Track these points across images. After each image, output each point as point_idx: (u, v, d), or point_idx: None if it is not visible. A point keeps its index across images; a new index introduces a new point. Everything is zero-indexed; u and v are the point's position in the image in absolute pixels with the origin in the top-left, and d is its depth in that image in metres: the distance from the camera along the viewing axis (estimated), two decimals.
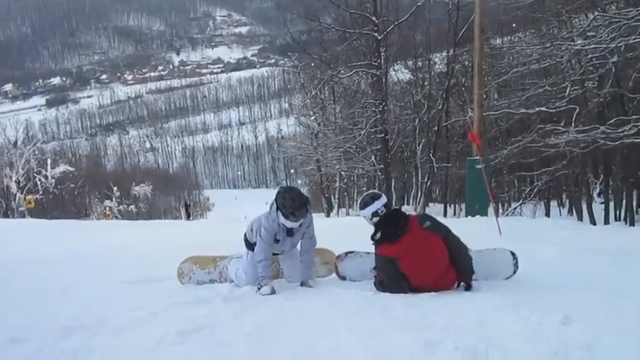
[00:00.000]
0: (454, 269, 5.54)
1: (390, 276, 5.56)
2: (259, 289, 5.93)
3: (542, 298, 4.92)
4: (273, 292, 5.86)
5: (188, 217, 51.07)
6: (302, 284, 6.23)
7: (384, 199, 5.70)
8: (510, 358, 3.35)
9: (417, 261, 5.38)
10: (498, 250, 6.24)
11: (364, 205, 5.73)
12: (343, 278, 6.45)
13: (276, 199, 6.03)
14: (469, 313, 4.45)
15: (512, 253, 6.10)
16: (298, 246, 6.44)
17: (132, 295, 6.15)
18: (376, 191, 6.14)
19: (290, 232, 6.12)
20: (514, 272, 6.09)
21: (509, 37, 29.95)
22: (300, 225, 6.11)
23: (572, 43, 18.64)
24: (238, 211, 77.70)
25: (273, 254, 6.36)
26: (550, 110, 20.27)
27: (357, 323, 4.35)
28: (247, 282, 6.21)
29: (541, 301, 4.73)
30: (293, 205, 5.87)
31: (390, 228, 5.50)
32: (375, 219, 5.61)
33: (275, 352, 3.74)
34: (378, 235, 5.55)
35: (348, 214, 41.37)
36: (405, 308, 4.76)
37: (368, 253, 6.26)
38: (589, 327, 3.85)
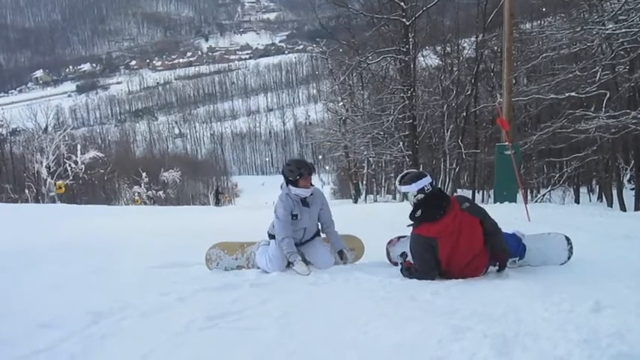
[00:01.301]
0: (486, 254, 5.53)
1: (422, 260, 5.52)
2: (292, 265, 6.12)
3: (572, 285, 4.88)
4: (309, 269, 6.07)
5: (217, 203, 51.04)
6: (340, 254, 6.47)
7: (429, 178, 5.63)
8: (541, 346, 3.33)
9: (454, 242, 5.36)
10: (553, 235, 6.16)
11: (411, 181, 5.58)
12: (395, 264, 6.30)
13: (283, 175, 6.34)
14: (498, 300, 4.43)
15: (567, 238, 6.02)
16: (318, 242, 6.62)
17: (160, 280, 6.23)
18: (420, 170, 6.09)
19: (305, 202, 6.34)
20: (568, 258, 6.02)
21: (538, 22, 29.61)
22: (312, 194, 6.39)
23: (603, 27, 18.42)
24: (266, 197, 77.94)
25: (297, 244, 6.47)
26: (580, 95, 20.05)
27: (385, 309, 4.35)
28: (274, 269, 6.27)
29: (571, 288, 4.70)
30: (297, 164, 6.29)
31: (432, 207, 5.45)
32: (420, 196, 5.50)
33: (303, 338, 3.75)
34: (419, 213, 5.51)
35: (376, 200, 41.40)
36: (433, 295, 4.76)
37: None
38: (620, 314, 3.83)
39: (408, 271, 5.64)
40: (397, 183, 5.80)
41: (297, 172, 6.22)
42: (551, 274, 5.51)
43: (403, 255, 5.87)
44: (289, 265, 6.27)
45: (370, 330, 3.82)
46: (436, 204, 5.45)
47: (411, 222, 5.64)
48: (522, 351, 3.28)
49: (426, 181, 5.54)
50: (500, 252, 5.59)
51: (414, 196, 5.54)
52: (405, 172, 5.85)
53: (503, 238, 5.63)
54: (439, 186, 28.03)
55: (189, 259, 7.10)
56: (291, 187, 6.29)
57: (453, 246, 5.37)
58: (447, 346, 3.41)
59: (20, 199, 48.60)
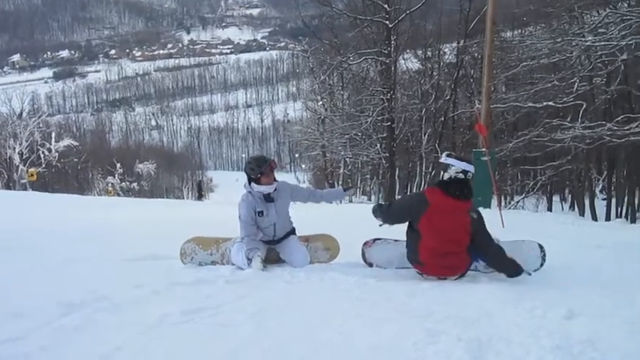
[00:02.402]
0: (467, 259, 5.63)
1: (399, 206, 6.01)
2: (249, 263, 6.08)
3: (545, 292, 4.95)
4: (263, 266, 6.05)
5: (200, 197, 50.79)
6: (345, 190, 7.07)
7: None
8: (513, 351, 3.38)
9: (439, 222, 5.49)
10: (527, 242, 6.27)
11: (464, 161, 5.72)
12: (370, 265, 6.39)
13: (246, 168, 6.42)
14: (472, 304, 4.48)
15: (540, 246, 6.12)
16: (295, 242, 6.66)
17: (134, 272, 6.18)
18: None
19: (268, 197, 6.36)
20: (541, 265, 6.13)
21: (519, 31, 29.94)
22: (276, 190, 6.39)
23: (582, 39, 18.65)
24: (239, 193, 77.62)
25: (271, 243, 6.57)
26: (557, 105, 20.31)
27: (361, 310, 4.37)
28: (248, 266, 6.28)
29: (544, 295, 4.77)
30: (257, 161, 6.32)
31: (457, 187, 5.56)
32: (460, 176, 5.58)
33: (279, 335, 3.76)
34: (445, 178, 5.67)
35: (351, 201, 41.44)
36: (408, 296, 4.79)
37: (396, 240, 6.32)
38: (591, 322, 3.89)
39: (379, 207, 6.05)
40: (445, 154, 5.86)
41: (257, 170, 6.26)
42: (524, 280, 5.57)
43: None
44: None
45: (345, 330, 3.83)
46: (461, 188, 5.58)
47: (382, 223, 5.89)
48: (496, 355, 3.32)
49: (471, 169, 5.66)
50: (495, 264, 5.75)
51: (456, 172, 5.61)
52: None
53: (495, 255, 5.70)
54: (414, 189, 28.22)
55: (165, 252, 7.05)
56: (253, 184, 6.32)
57: (436, 225, 5.49)
58: (422, 348, 3.44)
59: None
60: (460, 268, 5.67)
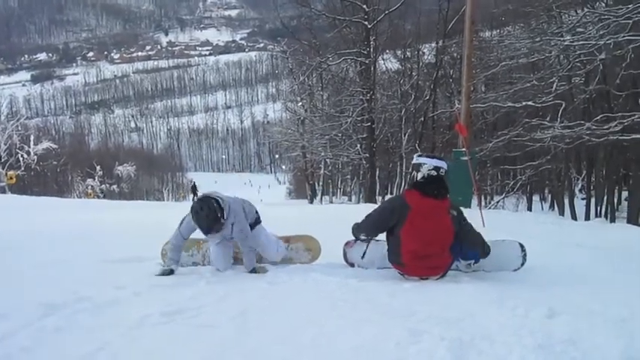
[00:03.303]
0: (448, 258, 5.63)
1: (377, 216, 5.82)
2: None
3: (526, 291, 4.95)
4: (168, 272, 5.98)
5: (194, 198, 50.81)
6: (252, 272, 6.18)
7: (446, 167, 5.77)
8: (496, 350, 3.36)
9: (420, 224, 5.48)
10: (507, 242, 6.29)
11: (433, 157, 5.79)
12: (352, 265, 6.40)
13: (192, 210, 5.97)
14: (454, 304, 4.47)
15: (521, 245, 6.15)
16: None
17: (115, 274, 6.10)
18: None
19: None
20: (522, 264, 6.15)
21: (498, 31, 30.04)
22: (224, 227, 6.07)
23: (561, 39, 18.69)
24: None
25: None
26: (536, 105, 20.37)
27: (343, 311, 4.35)
28: (221, 267, 6.27)
29: (525, 294, 4.77)
30: (201, 225, 5.87)
31: (432, 186, 5.57)
32: (433, 173, 5.59)
33: (260, 336, 3.72)
34: (421, 179, 5.65)
35: (331, 201, 41.46)
36: (390, 297, 4.78)
37: (377, 240, 6.28)
38: (573, 321, 3.89)
39: (357, 226, 6.03)
40: (416, 155, 5.93)
41: (202, 231, 5.96)
42: (506, 280, 5.61)
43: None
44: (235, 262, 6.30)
45: (328, 331, 3.81)
46: (437, 187, 5.58)
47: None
48: (478, 355, 3.30)
49: (443, 165, 5.69)
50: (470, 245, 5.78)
51: (428, 169, 5.61)
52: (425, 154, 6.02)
53: (472, 242, 5.76)
54: (395, 191, 28.23)
55: (146, 253, 6.99)
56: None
57: (418, 227, 5.48)
58: (404, 348, 3.42)
59: None
60: (441, 268, 5.68)
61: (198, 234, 6.12)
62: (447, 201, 5.62)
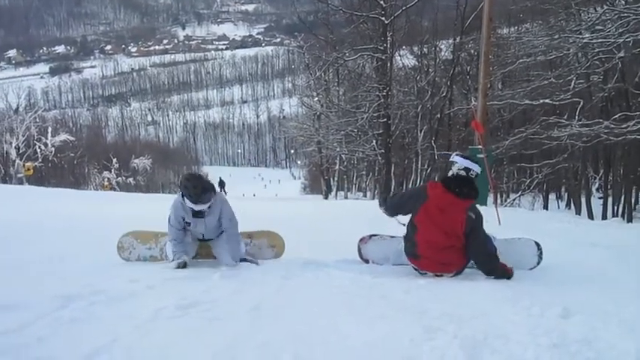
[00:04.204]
0: (463, 256, 5.66)
1: (402, 197, 6.10)
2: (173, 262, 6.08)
3: (541, 290, 4.93)
4: (183, 265, 6.01)
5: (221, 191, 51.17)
6: (243, 260, 6.27)
7: (478, 171, 5.86)
8: (510, 349, 3.35)
9: (435, 216, 5.55)
10: (523, 240, 6.27)
11: (467, 159, 5.87)
12: (366, 261, 6.39)
13: (180, 185, 6.13)
14: (468, 302, 4.47)
15: (537, 244, 6.13)
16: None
17: (129, 267, 6.20)
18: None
19: (198, 214, 6.17)
20: (538, 263, 6.13)
21: (516, 28, 29.83)
22: (210, 207, 6.15)
23: (579, 37, 18.55)
24: (239, 189, 77.95)
25: (203, 240, 6.49)
26: (554, 103, 20.24)
27: (357, 306, 4.35)
28: (182, 249, 6.27)
29: (540, 293, 4.75)
30: (195, 191, 5.94)
31: (458, 183, 5.62)
32: (462, 173, 5.70)
33: (274, 331, 3.73)
34: (449, 175, 5.80)
35: (346, 197, 41.41)
36: (404, 294, 4.78)
37: (392, 236, 6.32)
38: (588, 321, 3.86)
39: (384, 198, 6.25)
40: (454, 154, 6.07)
41: (192, 199, 6.00)
42: (520, 278, 5.56)
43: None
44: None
45: (341, 326, 3.81)
46: (463, 185, 5.62)
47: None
48: (491, 353, 3.29)
49: (475, 168, 5.76)
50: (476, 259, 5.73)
51: (458, 168, 5.73)
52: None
53: (486, 260, 5.69)
54: (410, 186, 28.13)
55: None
56: (186, 199, 6.07)
57: (432, 218, 5.56)
58: (418, 345, 3.41)
59: None
60: (456, 265, 5.68)
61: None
62: (469, 201, 5.61)
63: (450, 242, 5.53)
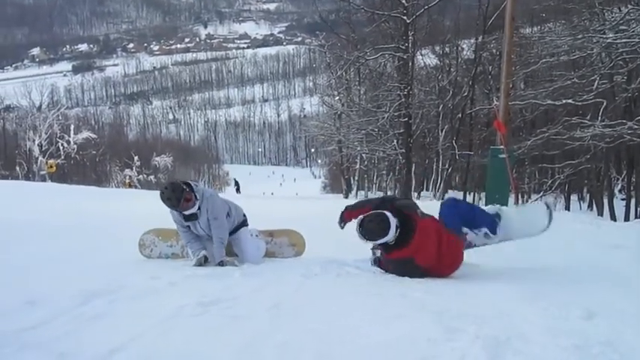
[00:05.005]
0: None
1: (408, 274, 5.52)
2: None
3: (562, 291, 4.90)
4: (204, 260, 6.18)
5: (237, 191, 52.01)
6: (219, 264, 6.22)
7: (393, 221, 5.37)
8: (532, 350, 3.31)
9: (431, 250, 5.42)
10: (531, 205, 6.31)
11: (381, 234, 5.38)
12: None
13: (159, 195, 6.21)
14: (489, 302, 4.44)
15: (546, 204, 6.11)
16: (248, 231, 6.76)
17: (150, 264, 6.27)
18: (378, 213, 5.51)
19: (190, 217, 6.26)
20: (549, 223, 6.01)
21: (539, 27, 29.68)
22: (200, 208, 6.23)
23: (603, 36, 18.43)
24: (252, 186, 78.19)
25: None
26: (577, 103, 20.11)
27: (376, 305, 4.34)
28: (198, 247, 6.37)
29: (561, 294, 4.71)
30: (171, 203, 6.09)
31: (402, 235, 5.39)
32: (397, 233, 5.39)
33: (293, 329, 3.73)
34: (392, 242, 5.43)
35: (367, 196, 41.35)
36: (424, 293, 4.74)
37: None
38: (610, 323, 3.82)
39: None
40: (373, 239, 5.56)
41: (173, 208, 6.18)
42: (541, 278, 5.56)
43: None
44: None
45: (360, 325, 3.79)
46: (406, 230, 5.41)
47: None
48: (514, 354, 3.25)
49: (394, 229, 5.36)
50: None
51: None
52: (367, 221, 5.46)
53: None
54: (430, 187, 28.10)
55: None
56: None
57: (431, 254, 5.44)
58: (438, 345, 3.39)
59: (10, 176, 48.41)
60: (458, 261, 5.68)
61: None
62: (413, 216, 5.58)
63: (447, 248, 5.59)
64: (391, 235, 5.31)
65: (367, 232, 5.36)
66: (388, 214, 5.37)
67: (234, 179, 71.25)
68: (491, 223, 5.94)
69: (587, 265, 6.37)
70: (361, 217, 5.51)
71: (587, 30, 19.56)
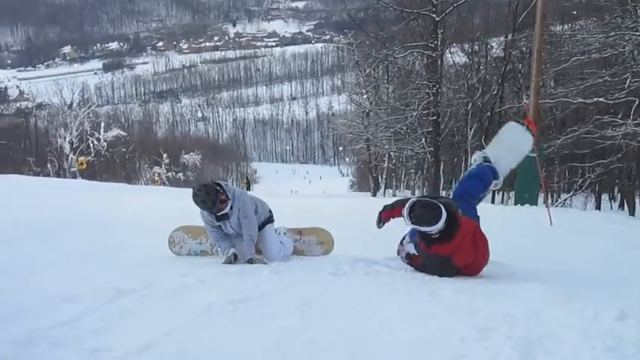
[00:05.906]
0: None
1: (440, 272, 5.51)
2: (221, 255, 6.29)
3: (595, 292, 4.83)
4: (234, 258, 6.19)
5: (248, 189, 52.38)
6: (249, 261, 6.23)
7: (444, 213, 5.29)
8: (564, 351, 3.28)
9: (468, 250, 5.40)
10: (505, 129, 6.39)
11: (430, 222, 5.27)
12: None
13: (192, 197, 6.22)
14: (520, 302, 4.38)
15: (517, 121, 6.20)
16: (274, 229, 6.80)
17: (180, 261, 6.31)
18: (431, 201, 5.43)
19: (222, 217, 6.29)
20: (532, 136, 6.56)
21: (569, 25, 29.37)
22: (232, 207, 6.26)
23: (636, 34, 18.20)
24: (280, 184, 78.27)
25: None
26: (608, 101, 19.85)
27: (406, 304, 4.34)
28: (227, 245, 6.40)
29: (594, 295, 4.64)
30: (205, 205, 6.13)
31: (447, 229, 5.33)
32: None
33: (322, 327, 3.73)
34: (436, 235, 5.36)
35: (394, 194, 41.29)
36: (454, 292, 4.72)
37: None
38: None
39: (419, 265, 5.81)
40: (420, 225, 5.42)
41: (208, 210, 6.24)
42: (572, 279, 5.52)
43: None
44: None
45: (391, 324, 3.78)
46: (452, 225, 5.35)
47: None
48: (545, 354, 3.22)
49: (444, 216, 5.30)
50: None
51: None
52: (418, 206, 5.39)
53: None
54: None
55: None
56: None
57: (469, 254, 5.44)
58: (469, 344, 3.37)
59: (42, 173, 49.07)
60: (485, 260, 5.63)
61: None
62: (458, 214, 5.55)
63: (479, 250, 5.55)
64: (440, 225, 5.24)
65: (417, 217, 5.30)
66: (441, 204, 5.33)
67: (246, 177, 71.72)
68: (492, 173, 5.95)
69: (619, 266, 6.28)
70: (413, 200, 5.49)
71: (619, 27, 19.32)
